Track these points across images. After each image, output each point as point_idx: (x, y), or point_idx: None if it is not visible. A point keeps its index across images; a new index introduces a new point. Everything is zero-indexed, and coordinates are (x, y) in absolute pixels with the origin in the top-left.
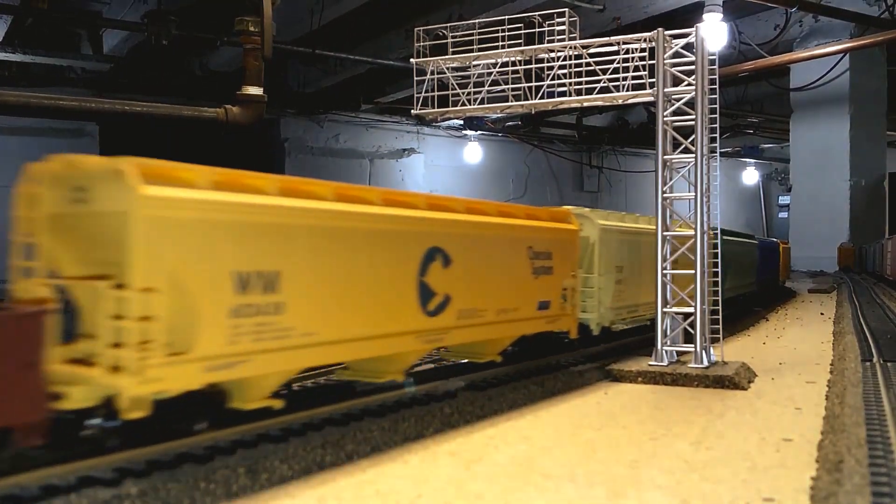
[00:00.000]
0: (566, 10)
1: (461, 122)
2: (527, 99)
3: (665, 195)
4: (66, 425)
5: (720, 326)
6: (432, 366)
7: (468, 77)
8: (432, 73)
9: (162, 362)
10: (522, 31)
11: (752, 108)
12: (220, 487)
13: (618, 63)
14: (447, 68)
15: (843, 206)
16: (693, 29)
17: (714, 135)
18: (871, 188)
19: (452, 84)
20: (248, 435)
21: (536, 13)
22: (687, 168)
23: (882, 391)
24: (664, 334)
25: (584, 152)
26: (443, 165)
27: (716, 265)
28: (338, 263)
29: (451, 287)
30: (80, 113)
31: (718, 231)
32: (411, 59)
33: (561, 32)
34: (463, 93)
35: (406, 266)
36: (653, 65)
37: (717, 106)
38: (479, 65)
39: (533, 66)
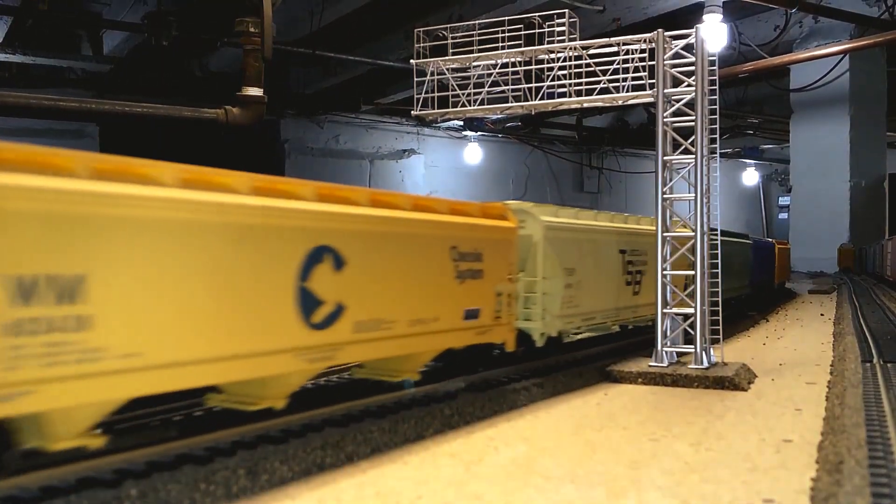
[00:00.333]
0: (566, 11)
1: (461, 123)
2: (527, 100)
3: (665, 196)
4: None
5: (720, 327)
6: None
7: (468, 78)
8: (432, 73)
9: None
10: (522, 32)
11: (752, 109)
12: (219, 489)
13: (618, 64)
14: (447, 69)
15: (843, 206)
16: (693, 30)
17: (714, 136)
18: (871, 189)
19: (452, 85)
20: (247, 436)
21: (536, 14)
22: (687, 169)
23: (882, 392)
24: (664, 335)
25: (584, 153)
26: (443, 166)
27: (714, 266)
28: (176, 266)
29: (346, 294)
30: (80, 114)
31: (718, 231)
32: (411, 60)
33: (561, 33)
34: (463, 94)
35: (281, 269)
36: (653, 66)
37: (717, 107)
38: (479, 66)
39: (533, 66)
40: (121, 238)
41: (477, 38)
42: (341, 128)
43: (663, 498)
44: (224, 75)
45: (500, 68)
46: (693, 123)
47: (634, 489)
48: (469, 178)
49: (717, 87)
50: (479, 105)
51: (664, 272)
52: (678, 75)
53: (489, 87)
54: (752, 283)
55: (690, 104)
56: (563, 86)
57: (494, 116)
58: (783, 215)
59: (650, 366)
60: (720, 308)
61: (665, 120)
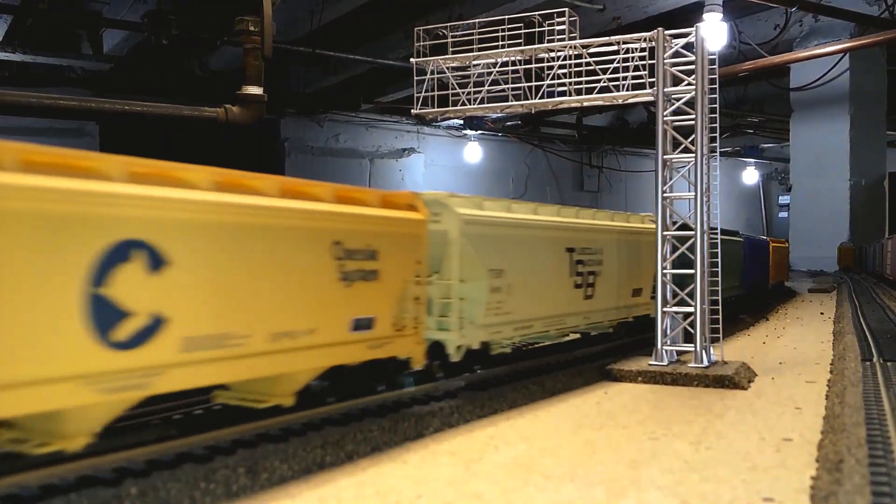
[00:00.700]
0: (566, 9)
1: (461, 121)
2: (527, 98)
3: (665, 195)
4: None
5: (720, 326)
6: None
7: (468, 77)
8: (432, 72)
9: None
10: (522, 31)
11: (752, 107)
12: (220, 487)
13: (618, 63)
14: (447, 68)
15: (843, 206)
16: (693, 29)
17: (714, 134)
18: (871, 188)
19: (452, 84)
20: (248, 435)
21: (536, 13)
22: (687, 168)
23: (882, 391)
24: (664, 334)
25: (584, 152)
26: (442, 165)
27: (714, 265)
28: None
29: (168, 303)
30: (80, 113)
31: (718, 231)
32: (411, 59)
33: (561, 32)
34: (463, 92)
35: (59, 270)
36: (653, 64)
37: (717, 106)
38: (478, 64)
39: (533, 65)
40: None
41: (477, 36)
42: (341, 127)
43: (663, 497)
44: (224, 74)
45: (499, 67)
46: (693, 122)
47: (634, 488)
48: (469, 176)
49: (717, 86)
50: (478, 104)
51: (664, 271)
52: (678, 74)
53: (489, 85)
54: (744, 284)
55: (690, 103)
56: (563, 84)
57: (494, 115)
58: (783, 214)
59: (650, 364)
60: (720, 307)
61: (665, 119)
